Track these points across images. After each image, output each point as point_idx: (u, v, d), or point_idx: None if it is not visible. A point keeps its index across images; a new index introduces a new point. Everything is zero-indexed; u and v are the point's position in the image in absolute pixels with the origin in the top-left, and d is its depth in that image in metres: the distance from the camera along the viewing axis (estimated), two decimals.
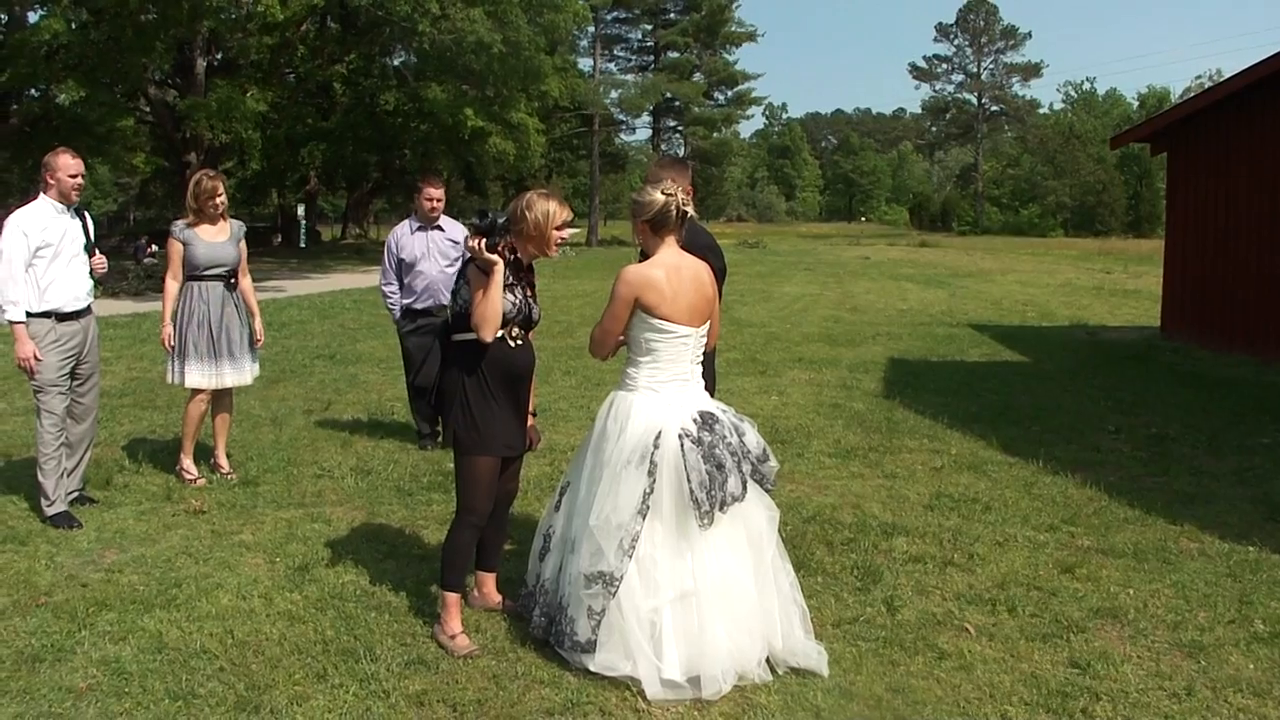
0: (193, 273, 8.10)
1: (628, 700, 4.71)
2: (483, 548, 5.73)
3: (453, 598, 5.41)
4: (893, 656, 5.22)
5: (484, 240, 5.13)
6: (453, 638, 5.30)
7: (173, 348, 8.09)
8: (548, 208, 5.27)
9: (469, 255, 5.28)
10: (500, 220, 5.18)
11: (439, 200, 9.21)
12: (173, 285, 8.14)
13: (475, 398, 5.30)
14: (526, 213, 5.25)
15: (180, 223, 8.19)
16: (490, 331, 5.19)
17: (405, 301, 9.32)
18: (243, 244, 8.40)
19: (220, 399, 8.43)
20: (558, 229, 5.32)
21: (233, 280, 8.24)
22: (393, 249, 9.33)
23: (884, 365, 14.83)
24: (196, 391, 8.20)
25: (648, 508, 4.89)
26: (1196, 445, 9.86)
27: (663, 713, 4.63)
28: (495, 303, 5.17)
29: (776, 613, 5.01)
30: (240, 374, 8.30)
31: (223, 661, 5.07)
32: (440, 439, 6.18)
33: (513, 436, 5.47)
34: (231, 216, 8.43)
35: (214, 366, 8.12)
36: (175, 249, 8.10)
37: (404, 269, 9.29)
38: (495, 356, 5.29)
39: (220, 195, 8.18)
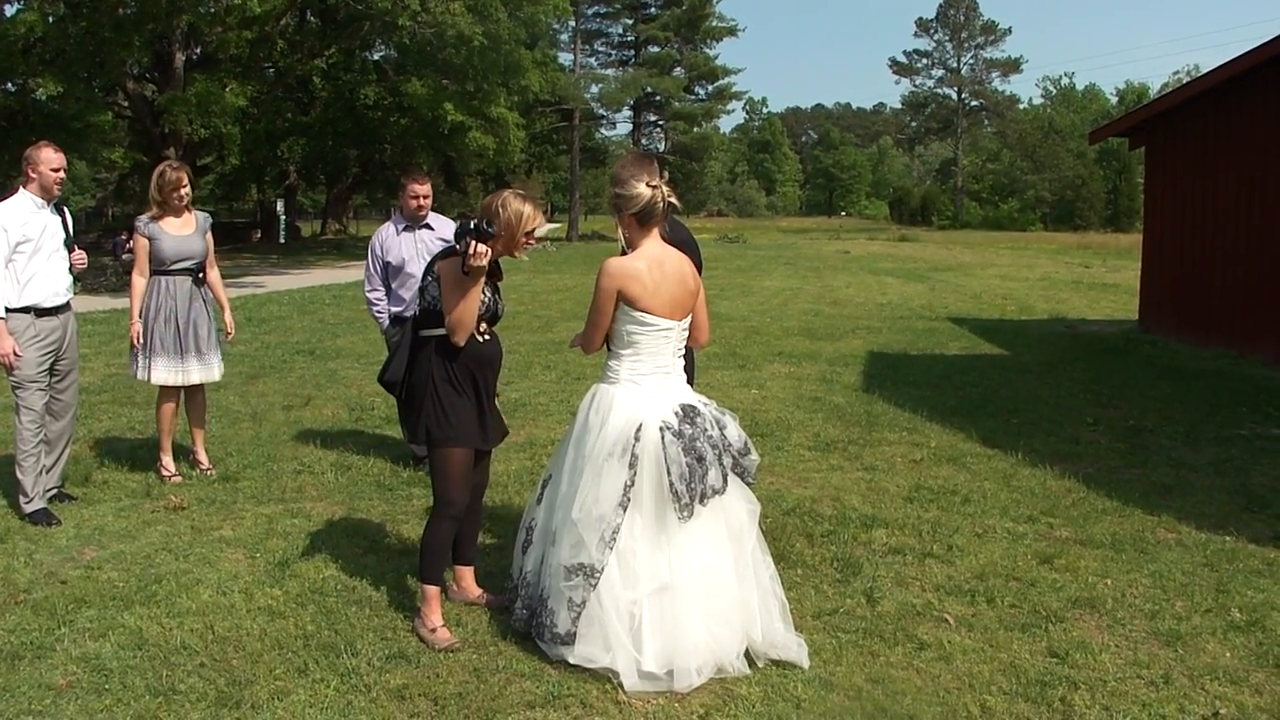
0: (160, 267, 7.97)
1: (608, 692, 4.72)
2: (458, 542, 5.73)
3: (433, 591, 5.42)
4: (872, 647, 5.24)
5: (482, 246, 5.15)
6: (433, 631, 5.31)
7: (141, 344, 8.01)
8: (523, 210, 5.29)
9: (444, 252, 5.30)
10: (491, 227, 5.20)
11: (425, 196, 8.40)
12: (140, 281, 8.00)
13: (445, 391, 5.34)
14: (501, 210, 5.27)
15: (144, 217, 8.05)
16: (465, 336, 5.26)
17: (394, 310, 8.48)
18: (209, 235, 8.27)
19: (194, 395, 8.35)
20: (528, 233, 5.35)
21: (201, 275, 8.15)
22: (377, 252, 8.49)
23: (863, 359, 14.86)
24: (165, 388, 8.17)
25: (628, 500, 4.91)
26: (1174, 437, 9.92)
27: (643, 704, 4.64)
28: (474, 308, 5.25)
29: (756, 606, 5.02)
30: (208, 371, 8.20)
31: (203, 657, 5.06)
32: (409, 436, 5.93)
33: (484, 428, 5.52)
34: (198, 209, 8.30)
35: (180, 363, 8.02)
36: (141, 244, 7.96)
37: (391, 273, 8.46)
38: (464, 351, 5.33)
39: (185, 187, 8.02)
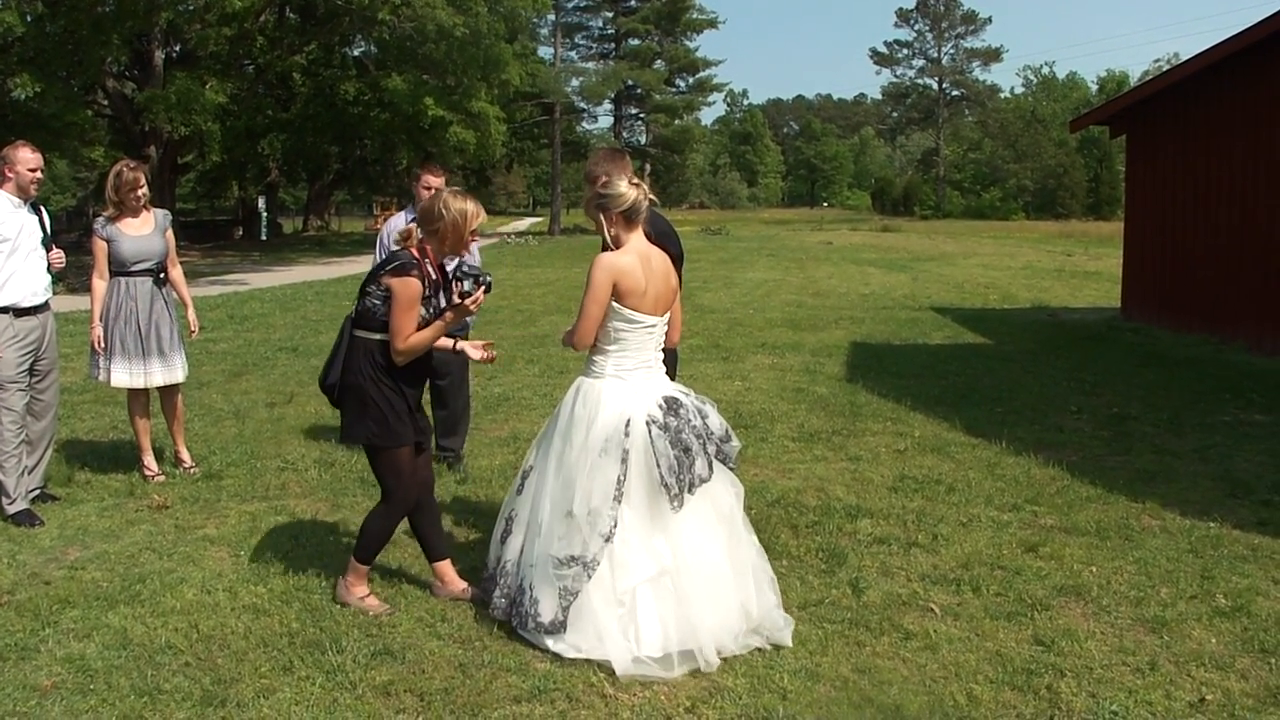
0: (120, 269, 7.87)
1: (594, 686, 4.72)
2: (427, 540, 5.85)
3: (363, 569, 5.64)
4: (858, 638, 5.25)
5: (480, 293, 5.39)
6: (363, 599, 5.55)
7: (103, 347, 7.90)
8: (465, 208, 5.41)
9: (396, 269, 5.34)
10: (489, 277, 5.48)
11: (438, 190, 8.37)
12: (100, 284, 7.89)
13: (383, 394, 5.43)
14: (445, 212, 5.38)
15: (101, 219, 7.95)
16: (407, 360, 5.39)
17: None
18: (169, 233, 8.16)
19: (167, 395, 8.27)
20: (473, 231, 5.46)
21: (162, 275, 8.06)
22: (385, 241, 8.47)
23: (847, 349, 14.88)
24: (133, 391, 8.11)
25: (621, 493, 4.98)
26: (1157, 424, 9.94)
27: (629, 698, 4.63)
28: (431, 342, 5.43)
29: (751, 584, 5.13)
30: (171, 372, 8.10)
31: (188, 656, 5.04)
32: (340, 436, 5.79)
33: (419, 425, 5.65)
34: (155, 206, 8.20)
35: (142, 365, 7.93)
36: (100, 247, 7.85)
37: None
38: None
39: (142, 187, 7.90)
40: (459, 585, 5.81)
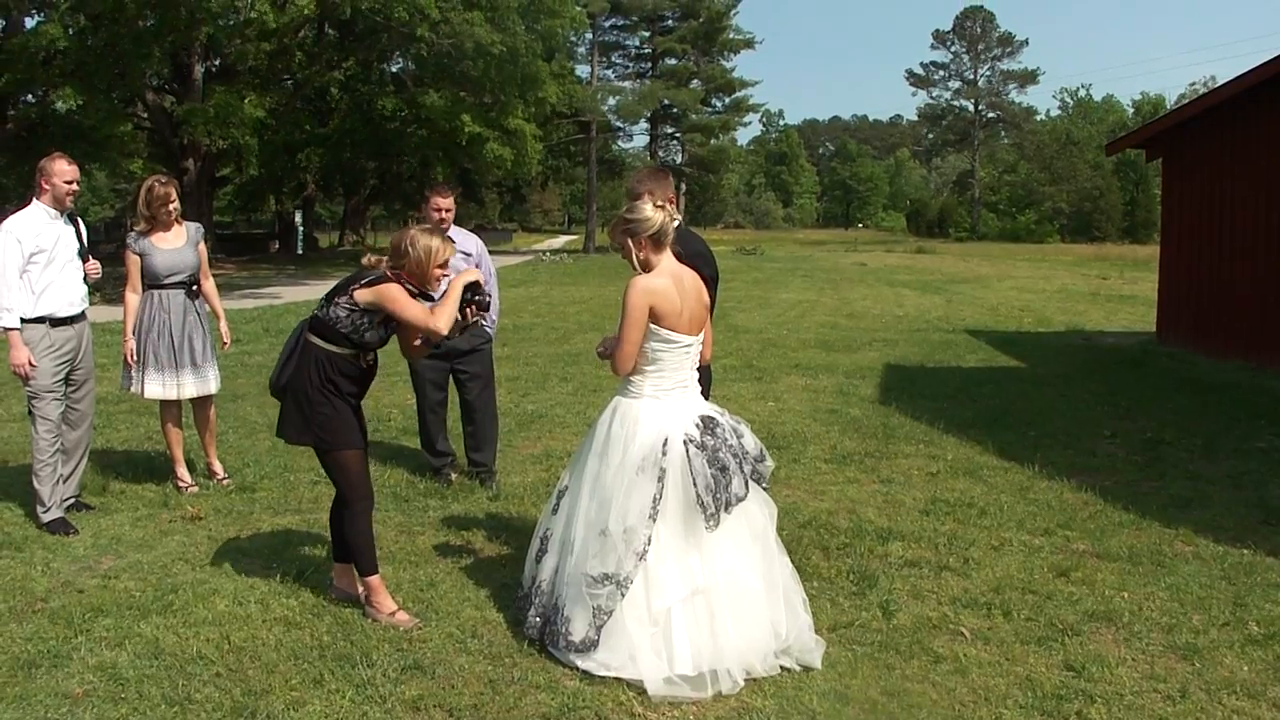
0: (153, 282, 7.95)
1: (623, 704, 4.72)
2: (340, 538, 5.95)
3: (376, 580, 5.68)
4: (888, 661, 5.23)
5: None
6: (393, 615, 5.57)
7: (135, 359, 7.98)
8: (431, 244, 5.52)
9: (370, 281, 5.50)
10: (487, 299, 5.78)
11: (448, 211, 8.33)
12: (133, 298, 7.98)
13: (326, 399, 5.59)
14: (410, 249, 5.51)
15: (134, 233, 8.04)
16: (445, 325, 5.55)
17: None
18: (202, 246, 8.23)
19: (200, 408, 8.33)
20: (440, 266, 5.56)
21: (195, 288, 8.12)
22: None
23: (880, 371, 14.83)
24: (166, 403, 8.17)
25: (656, 512, 5.00)
26: (1192, 450, 9.87)
27: (658, 717, 4.63)
28: (454, 306, 5.58)
29: (781, 603, 5.13)
30: (203, 383, 8.16)
31: (219, 667, 5.07)
32: (279, 431, 5.81)
33: (364, 432, 5.87)
34: (192, 219, 8.28)
35: (174, 377, 7.99)
36: (132, 261, 7.93)
37: None
38: (351, 372, 5.66)
39: (173, 201, 7.99)
40: (357, 588, 5.90)
